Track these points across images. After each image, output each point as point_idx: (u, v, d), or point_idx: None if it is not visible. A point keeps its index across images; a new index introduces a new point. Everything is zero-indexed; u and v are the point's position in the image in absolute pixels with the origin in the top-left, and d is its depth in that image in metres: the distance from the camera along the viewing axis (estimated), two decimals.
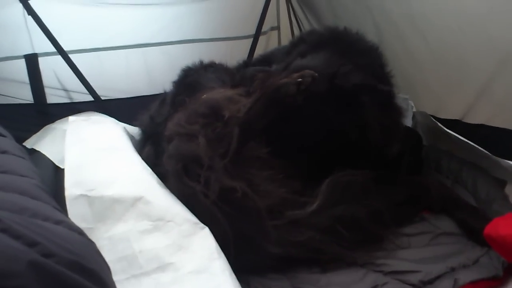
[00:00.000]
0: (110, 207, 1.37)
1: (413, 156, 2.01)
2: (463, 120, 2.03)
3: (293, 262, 1.44)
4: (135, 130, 2.05)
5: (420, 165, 2.07)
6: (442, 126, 1.96)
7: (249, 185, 1.47)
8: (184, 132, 1.63)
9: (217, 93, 1.81)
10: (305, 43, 1.96)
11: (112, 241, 1.29)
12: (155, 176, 1.57)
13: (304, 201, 1.51)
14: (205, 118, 1.64)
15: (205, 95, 1.84)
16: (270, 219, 1.44)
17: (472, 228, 1.55)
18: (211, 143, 1.55)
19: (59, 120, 2.33)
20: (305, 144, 1.65)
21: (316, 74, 1.57)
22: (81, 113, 2.41)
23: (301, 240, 1.42)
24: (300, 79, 1.55)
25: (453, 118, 2.05)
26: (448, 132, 1.92)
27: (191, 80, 2.22)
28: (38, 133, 2.28)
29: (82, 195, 1.38)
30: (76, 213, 1.30)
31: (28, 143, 2.18)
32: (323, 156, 1.64)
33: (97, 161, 1.55)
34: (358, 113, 1.63)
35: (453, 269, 1.37)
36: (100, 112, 2.50)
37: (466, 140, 1.82)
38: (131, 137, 1.93)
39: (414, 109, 2.23)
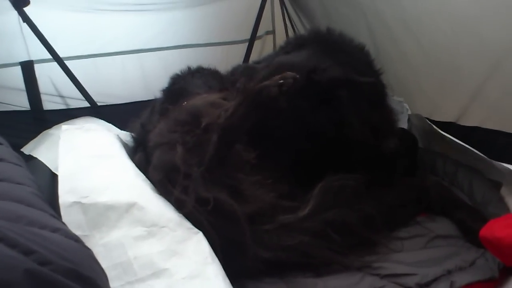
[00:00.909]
0: (104, 214, 1.36)
1: (408, 158, 2.02)
2: (457, 123, 2.04)
3: (284, 267, 1.44)
4: (129, 137, 2.04)
5: (414, 167, 2.07)
6: (437, 129, 1.97)
7: (234, 191, 1.47)
8: (165, 142, 1.63)
9: (199, 99, 1.82)
10: (290, 45, 1.98)
11: (107, 248, 1.29)
12: (148, 182, 1.57)
13: (294, 206, 1.51)
14: (184, 126, 1.64)
15: (185, 102, 1.84)
16: (259, 224, 1.44)
17: (470, 229, 1.55)
18: (190, 151, 1.54)
19: (56, 126, 2.34)
20: (285, 143, 1.66)
21: (298, 76, 1.57)
22: (76, 119, 2.42)
23: (291, 244, 1.41)
24: (281, 81, 1.56)
25: (448, 121, 2.06)
26: (443, 134, 1.92)
27: (178, 87, 2.24)
28: (35, 139, 2.28)
29: (76, 202, 1.37)
30: (71, 221, 1.29)
31: (26, 149, 2.18)
32: (310, 157, 1.65)
33: (90, 168, 1.55)
34: (335, 108, 1.63)
35: (449, 272, 1.37)
36: (96, 118, 2.51)
37: (461, 143, 1.82)
38: (125, 145, 1.92)
39: (409, 112, 2.23)
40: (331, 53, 1.78)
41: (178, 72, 2.40)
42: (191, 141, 1.57)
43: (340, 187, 1.57)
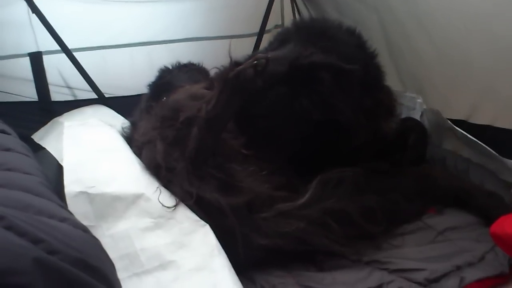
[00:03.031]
0: (111, 205, 1.36)
1: (417, 150, 2.00)
2: (468, 121, 2.01)
3: (286, 256, 1.44)
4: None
5: (422, 159, 2.05)
6: (452, 124, 1.94)
7: (225, 183, 1.47)
8: (147, 140, 1.64)
9: (180, 93, 1.83)
10: (276, 41, 1.98)
11: (114, 239, 1.29)
12: None
13: (291, 196, 1.51)
14: (165, 121, 1.65)
15: (165, 98, 1.87)
16: (257, 212, 1.44)
17: (492, 216, 1.48)
18: (170, 146, 1.55)
19: (66, 114, 2.36)
20: (275, 132, 1.67)
21: (269, 55, 1.59)
22: (86, 107, 2.48)
23: (289, 230, 1.41)
24: (255, 62, 1.57)
25: (459, 119, 2.03)
26: (457, 130, 1.89)
27: (164, 81, 2.24)
28: (45, 126, 2.31)
29: (82, 192, 1.37)
30: (77, 211, 1.27)
31: (36, 136, 2.20)
32: (304, 145, 1.66)
33: (96, 161, 1.55)
34: (317, 91, 1.63)
35: (458, 268, 1.35)
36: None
37: (474, 139, 1.80)
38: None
39: (425, 106, 2.19)
40: (314, 41, 1.77)
41: (166, 65, 2.44)
42: (171, 135, 1.58)
43: (339, 179, 1.57)
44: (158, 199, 1.41)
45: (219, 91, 1.58)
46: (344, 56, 1.68)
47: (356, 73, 1.62)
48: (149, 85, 2.39)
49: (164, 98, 1.87)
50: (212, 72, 2.14)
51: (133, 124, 1.94)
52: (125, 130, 1.95)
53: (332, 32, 1.85)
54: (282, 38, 1.92)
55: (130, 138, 1.86)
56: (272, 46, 1.94)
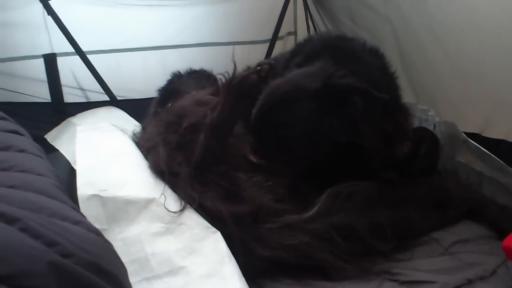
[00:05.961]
0: (123, 208, 1.36)
1: (428, 160, 1.99)
2: (482, 134, 1.99)
3: (290, 268, 1.42)
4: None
5: (434, 170, 2.03)
6: (466, 137, 1.92)
7: (229, 191, 1.46)
8: (152, 145, 1.64)
9: (186, 99, 1.84)
10: (301, 53, 1.95)
11: (125, 243, 1.29)
12: None
13: (295, 208, 1.49)
14: (169, 127, 1.65)
15: (170, 104, 1.88)
16: (261, 222, 1.43)
17: (505, 229, 1.48)
18: (173, 151, 1.55)
19: (79, 114, 2.38)
20: (294, 145, 1.64)
21: (272, 61, 1.60)
22: (98, 108, 2.52)
23: (292, 243, 1.39)
24: (259, 68, 1.58)
25: (472, 132, 2.02)
26: (471, 143, 1.87)
27: (173, 87, 2.26)
28: (58, 127, 2.34)
29: (94, 195, 1.37)
30: (90, 214, 1.29)
31: (49, 136, 2.21)
32: (319, 163, 1.63)
33: (108, 165, 1.55)
34: (348, 114, 1.60)
35: (470, 281, 1.34)
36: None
37: (489, 153, 1.77)
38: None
39: (438, 119, 2.17)
40: (343, 62, 1.74)
41: (177, 71, 2.45)
42: (174, 141, 1.58)
43: (350, 193, 1.55)
44: (164, 204, 1.40)
45: (224, 98, 1.58)
46: (371, 81, 1.66)
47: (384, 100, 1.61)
48: (158, 90, 2.39)
49: (170, 104, 1.87)
50: (218, 78, 2.15)
51: (143, 129, 1.94)
52: (136, 135, 1.95)
53: (360, 55, 1.83)
54: (308, 54, 1.88)
55: (138, 143, 1.86)
56: (297, 60, 1.90)
